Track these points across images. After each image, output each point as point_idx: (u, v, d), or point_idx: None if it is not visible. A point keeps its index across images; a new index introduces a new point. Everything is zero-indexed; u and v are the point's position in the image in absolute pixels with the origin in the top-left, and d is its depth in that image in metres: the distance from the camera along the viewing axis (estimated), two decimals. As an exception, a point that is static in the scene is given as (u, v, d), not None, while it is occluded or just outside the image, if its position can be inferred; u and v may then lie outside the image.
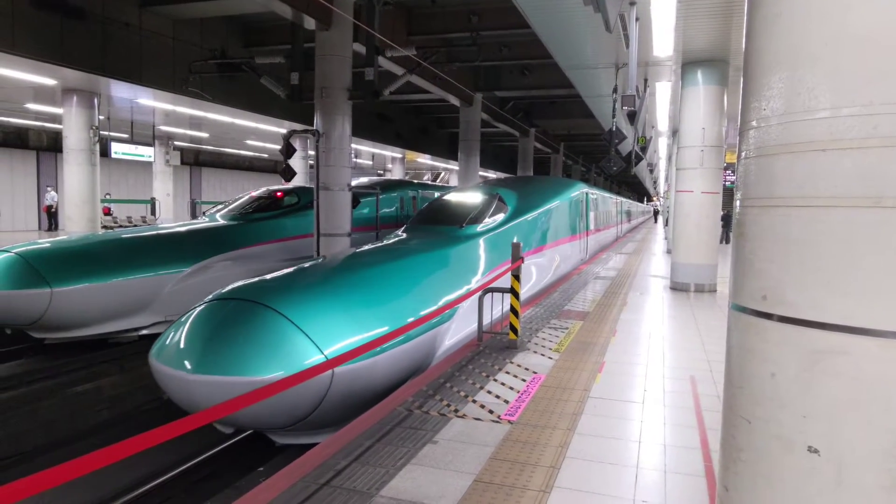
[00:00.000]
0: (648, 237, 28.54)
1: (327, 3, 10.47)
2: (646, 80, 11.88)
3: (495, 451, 3.71)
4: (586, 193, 14.21)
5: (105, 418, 7.65)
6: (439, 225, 8.93)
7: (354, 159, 31.50)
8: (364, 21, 11.97)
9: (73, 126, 14.81)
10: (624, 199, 31.79)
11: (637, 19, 7.65)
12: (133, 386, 8.37)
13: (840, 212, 1.84)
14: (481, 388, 4.92)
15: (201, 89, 14.65)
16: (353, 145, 22.02)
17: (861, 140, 1.79)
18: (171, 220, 24.22)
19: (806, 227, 1.91)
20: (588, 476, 3.41)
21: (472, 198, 9.78)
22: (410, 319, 5.60)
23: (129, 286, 9.33)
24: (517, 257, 6.23)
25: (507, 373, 5.33)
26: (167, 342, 4.98)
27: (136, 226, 20.40)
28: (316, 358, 4.71)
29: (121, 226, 20.92)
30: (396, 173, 33.99)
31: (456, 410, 4.39)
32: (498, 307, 6.91)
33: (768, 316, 2.02)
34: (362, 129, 20.19)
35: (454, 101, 19.62)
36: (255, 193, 13.58)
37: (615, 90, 11.47)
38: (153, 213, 24.80)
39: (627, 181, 62.59)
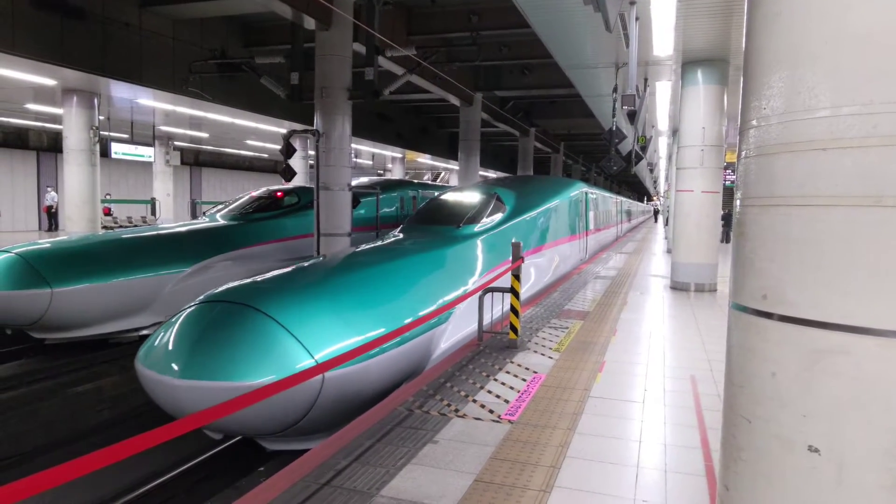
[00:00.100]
0: (648, 237, 28.53)
1: (327, 3, 10.47)
2: (646, 80, 11.88)
3: (496, 450, 3.71)
4: (585, 193, 14.14)
5: (105, 419, 7.66)
6: (436, 225, 8.83)
7: (354, 159, 31.50)
8: (364, 21, 11.97)
9: (74, 126, 14.81)
10: (624, 199, 31.75)
11: (637, 19, 7.64)
12: (133, 386, 8.36)
13: (840, 211, 1.84)
14: (481, 387, 4.92)
15: (201, 89, 14.65)
16: (353, 145, 22.01)
17: (861, 139, 1.79)
18: (172, 220, 24.23)
19: (806, 227, 1.91)
20: (588, 475, 3.41)
21: (469, 197, 9.67)
22: (405, 322, 5.50)
23: (130, 286, 9.33)
24: (517, 257, 6.22)
25: (508, 372, 5.33)
26: (153, 346, 4.88)
27: (136, 226, 20.42)
28: (306, 362, 4.62)
29: (121, 226, 20.93)
30: (396, 173, 34.00)
31: (456, 410, 4.39)
32: (497, 307, 6.91)
33: (769, 315, 2.01)
34: (362, 129, 20.19)
35: (454, 100, 19.62)
36: (255, 193, 13.58)
37: (615, 90, 11.47)
38: (153, 213, 24.80)
39: (628, 181, 62.59)
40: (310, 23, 11.58)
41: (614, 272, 12.92)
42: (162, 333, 4.98)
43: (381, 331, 5.31)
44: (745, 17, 2.22)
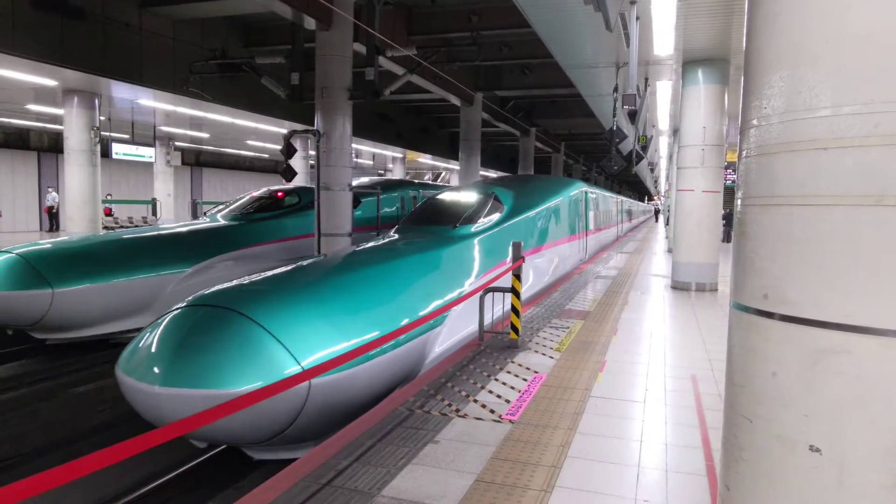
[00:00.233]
0: (649, 236, 28.52)
1: (327, 3, 10.47)
2: (646, 79, 11.88)
3: (496, 450, 3.71)
4: (585, 192, 14.04)
5: (107, 419, 7.65)
6: (432, 225, 8.68)
7: (355, 159, 31.50)
8: (364, 21, 11.97)
9: (74, 127, 14.82)
10: (625, 199, 31.70)
11: (637, 18, 7.64)
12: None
13: (841, 210, 1.84)
14: (482, 387, 4.92)
15: (202, 89, 14.66)
16: (354, 145, 22.02)
17: (862, 138, 1.79)
18: (173, 220, 24.24)
19: (807, 226, 1.91)
20: (589, 475, 3.41)
21: (466, 197, 9.52)
22: (397, 326, 5.33)
23: (131, 286, 9.34)
24: (518, 256, 6.22)
25: (509, 372, 5.33)
26: (134, 351, 4.72)
27: (137, 226, 20.43)
28: (291, 369, 4.47)
29: (122, 226, 20.94)
30: (397, 173, 34.00)
31: (457, 410, 4.39)
32: (497, 307, 6.90)
33: (770, 315, 2.01)
34: (363, 129, 20.19)
35: (455, 100, 19.62)
36: (255, 194, 13.59)
37: (616, 89, 11.47)
38: (154, 213, 24.82)
39: (628, 180, 62.56)
40: (310, 23, 11.58)
41: (615, 272, 12.91)
42: (143, 338, 4.83)
43: (371, 335, 5.15)
44: (746, 17, 2.22)
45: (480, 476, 3.37)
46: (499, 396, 4.70)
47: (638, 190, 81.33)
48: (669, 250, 16.22)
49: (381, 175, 38.70)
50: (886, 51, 1.75)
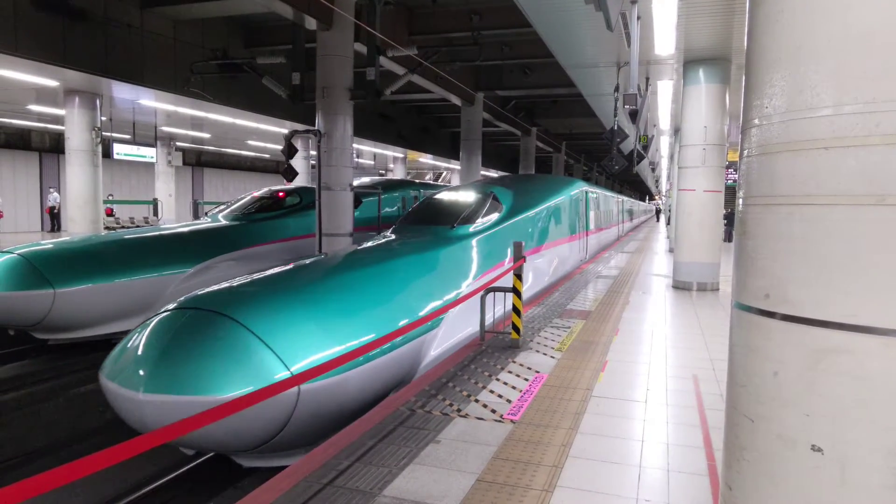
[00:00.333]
0: (651, 236, 28.51)
1: (328, 4, 10.47)
2: (647, 79, 11.87)
3: (498, 450, 3.71)
4: (586, 192, 13.93)
5: (109, 419, 7.66)
6: (430, 225, 8.53)
7: (356, 159, 31.51)
8: (365, 21, 11.98)
9: (76, 127, 14.84)
10: (626, 198, 31.65)
11: (638, 18, 7.63)
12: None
13: (843, 210, 1.83)
14: (484, 387, 4.92)
15: (203, 90, 14.67)
16: (355, 145, 22.05)
17: (864, 138, 1.79)
18: (174, 220, 24.26)
19: (809, 226, 1.91)
20: (591, 475, 3.41)
21: (464, 196, 9.36)
22: (391, 329, 5.18)
23: (132, 287, 9.35)
24: (519, 256, 6.22)
25: (510, 372, 5.33)
26: (118, 356, 4.58)
27: (138, 226, 20.44)
28: (280, 374, 4.34)
29: (123, 226, 20.96)
30: (398, 173, 34.02)
31: (458, 410, 4.39)
32: (497, 307, 6.88)
33: (771, 314, 2.01)
34: (364, 129, 20.20)
35: (456, 100, 19.62)
36: (257, 194, 13.60)
37: (617, 89, 11.46)
38: (155, 213, 24.84)
39: (629, 180, 62.53)
40: (311, 23, 11.58)
41: (616, 271, 12.91)
42: (127, 343, 4.69)
43: (364, 339, 5.03)
44: (747, 16, 2.21)
45: (482, 476, 3.37)
46: (500, 396, 4.70)
47: (639, 189, 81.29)
48: (671, 250, 16.21)
49: (382, 175, 38.73)
50: (888, 50, 1.75)
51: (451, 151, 29.42)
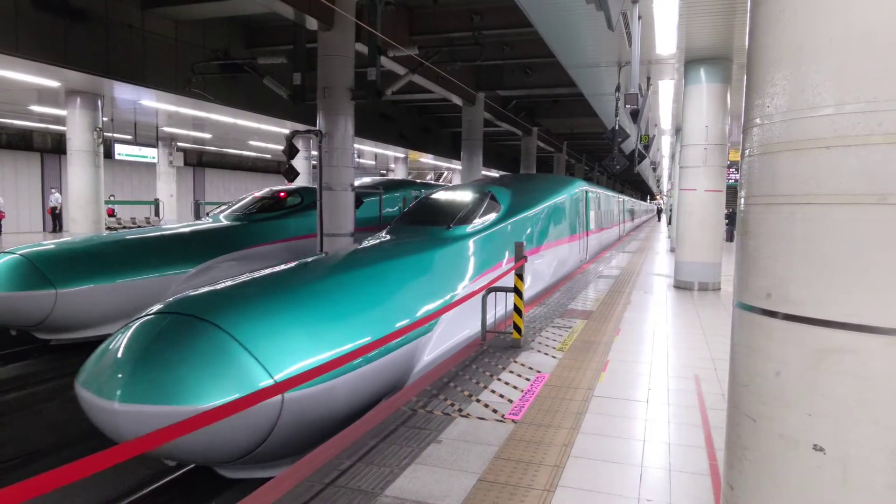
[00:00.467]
0: (652, 235, 28.49)
1: (329, 4, 10.48)
2: (648, 79, 11.86)
3: (499, 450, 3.71)
4: (586, 192, 13.77)
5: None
6: (425, 225, 8.33)
7: (357, 159, 31.52)
8: (366, 21, 11.98)
9: (77, 128, 14.86)
10: (627, 198, 31.58)
11: (639, 17, 7.62)
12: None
13: (844, 209, 1.83)
14: (485, 387, 4.91)
15: (204, 90, 14.68)
16: (356, 145, 22.04)
17: (865, 137, 1.78)
18: (175, 221, 24.28)
19: (810, 225, 1.91)
20: (592, 475, 3.41)
21: (461, 196, 9.15)
22: (382, 334, 4.92)
23: (134, 287, 9.36)
24: (521, 256, 6.22)
25: (511, 372, 5.33)
26: (94, 364, 4.39)
27: (140, 227, 20.47)
28: (263, 382, 4.16)
29: (125, 227, 20.98)
30: (399, 173, 34.04)
31: (460, 410, 4.39)
32: (497, 307, 6.86)
33: (773, 314, 2.01)
34: (365, 129, 20.21)
35: (457, 100, 19.63)
36: (258, 194, 13.61)
37: (618, 88, 11.46)
38: (157, 214, 24.87)
39: (631, 179, 62.51)
40: (312, 23, 11.59)
41: (617, 271, 12.90)
42: (104, 350, 4.50)
43: (353, 344, 4.85)
44: (749, 15, 2.21)
45: (483, 476, 3.37)
46: (501, 396, 4.70)
47: (640, 189, 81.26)
48: (672, 249, 16.20)
49: (383, 175, 38.74)
50: (890, 49, 1.75)
51: (452, 151, 29.42)
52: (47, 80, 13.30)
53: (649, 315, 8.13)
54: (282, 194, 13.31)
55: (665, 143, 23.90)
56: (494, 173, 35.69)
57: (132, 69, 13.04)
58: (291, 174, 12.39)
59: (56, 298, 8.47)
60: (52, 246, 9.46)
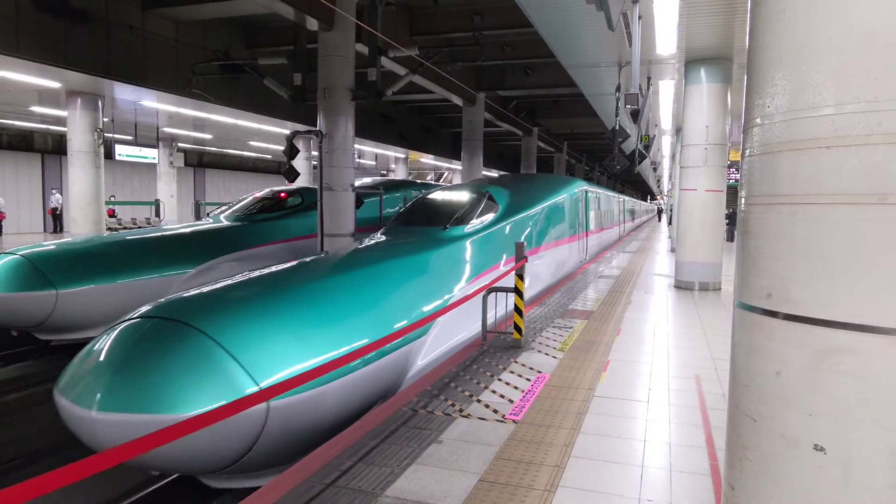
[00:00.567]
0: (652, 236, 28.49)
1: (329, 4, 10.48)
2: (649, 79, 11.86)
3: (500, 450, 3.71)
4: (585, 191, 13.68)
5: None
6: (421, 226, 8.19)
7: (358, 160, 31.52)
8: (366, 21, 11.99)
9: (78, 128, 14.87)
10: (627, 198, 31.53)
11: (640, 17, 7.62)
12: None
13: (845, 209, 1.83)
14: (486, 387, 4.91)
15: (204, 91, 14.69)
16: (357, 146, 22.05)
17: (866, 137, 1.78)
18: (176, 221, 24.29)
19: (811, 225, 1.91)
20: (593, 475, 3.40)
21: (459, 196, 9.00)
22: (374, 338, 4.79)
23: (134, 287, 9.36)
24: (521, 256, 6.22)
25: (512, 372, 5.33)
26: (73, 371, 4.25)
27: (140, 227, 20.48)
28: (248, 389, 4.01)
29: (125, 227, 20.99)
30: (400, 173, 34.06)
31: (461, 410, 4.39)
32: (498, 308, 6.86)
33: (773, 314, 2.01)
34: (365, 130, 20.21)
35: (457, 100, 19.64)
36: (258, 194, 13.61)
37: (618, 88, 11.46)
38: (157, 214, 24.89)
39: (631, 179, 62.50)
40: (312, 24, 11.60)
41: (618, 271, 12.90)
42: (84, 355, 4.38)
43: (343, 349, 4.70)
44: (749, 15, 2.21)
45: (484, 476, 3.37)
46: (502, 396, 4.70)
47: (641, 189, 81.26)
48: (672, 250, 16.19)
49: (383, 175, 38.74)
50: (890, 49, 1.75)
51: (452, 152, 29.43)
52: (48, 81, 13.32)
53: (650, 315, 8.13)
54: (282, 195, 13.31)
55: (665, 143, 23.90)
56: (495, 173, 35.69)
57: (133, 70, 13.05)
58: (292, 175, 12.40)
59: (57, 299, 8.47)
60: (53, 246, 9.47)
